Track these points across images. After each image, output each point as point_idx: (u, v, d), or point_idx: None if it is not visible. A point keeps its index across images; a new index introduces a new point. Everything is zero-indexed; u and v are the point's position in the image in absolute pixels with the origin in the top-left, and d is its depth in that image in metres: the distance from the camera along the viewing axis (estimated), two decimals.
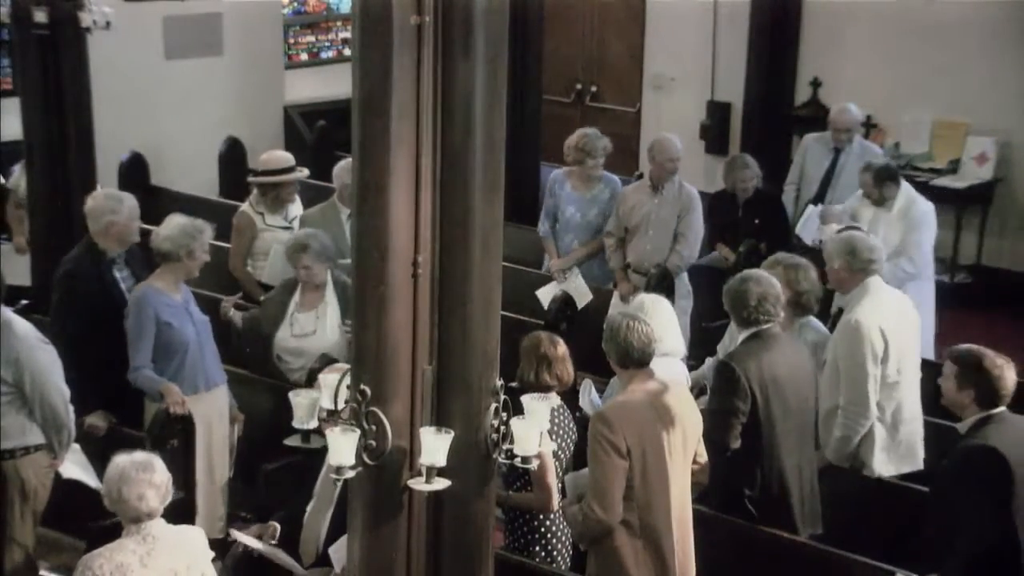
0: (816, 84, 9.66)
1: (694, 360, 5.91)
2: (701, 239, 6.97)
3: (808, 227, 7.21)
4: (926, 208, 6.56)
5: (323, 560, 4.28)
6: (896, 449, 5.22)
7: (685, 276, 6.91)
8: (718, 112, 10.08)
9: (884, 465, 5.19)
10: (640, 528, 4.25)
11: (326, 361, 5.27)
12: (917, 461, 5.27)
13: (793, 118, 9.58)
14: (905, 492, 5.04)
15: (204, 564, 3.89)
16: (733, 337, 5.07)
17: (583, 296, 6.91)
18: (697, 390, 5.30)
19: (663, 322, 4.95)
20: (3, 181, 7.54)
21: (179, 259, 5.29)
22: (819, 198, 7.57)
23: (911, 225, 6.49)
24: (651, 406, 4.28)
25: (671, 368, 4.88)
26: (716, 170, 8.98)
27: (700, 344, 6.39)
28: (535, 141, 8.85)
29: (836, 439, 5.16)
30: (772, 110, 9.57)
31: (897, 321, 5.16)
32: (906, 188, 6.56)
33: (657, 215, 6.83)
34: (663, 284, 6.56)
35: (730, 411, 4.63)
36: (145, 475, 3.75)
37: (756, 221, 7.38)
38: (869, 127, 9.02)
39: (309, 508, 4.43)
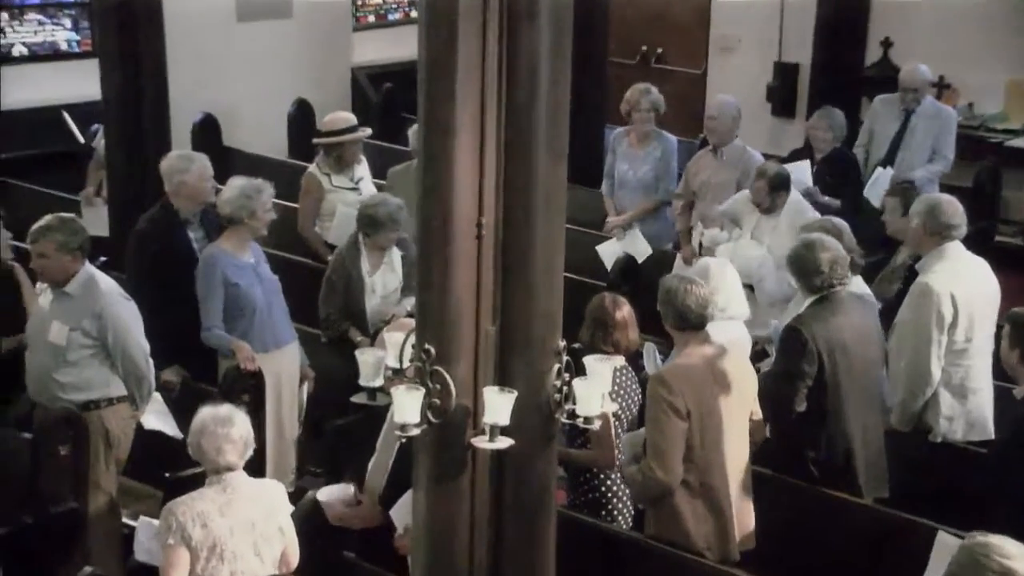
0: (887, 44, 9.40)
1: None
2: None
3: (875, 189, 7.05)
4: (815, 216, 6.03)
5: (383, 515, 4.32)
6: (965, 417, 5.11)
7: None
8: (785, 74, 9.88)
9: (951, 432, 5.10)
10: (699, 488, 4.26)
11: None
12: (987, 431, 5.15)
13: (863, 79, 9.34)
14: (972, 456, 4.95)
15: (282, 517, 3.97)
16: (797, 301, 5.00)
17: (642, 252, 6.88)
18: (755, 353, 5.26)
19: (727, 287, 4.91)
20: (83, 140, 7.68)
21: (241, 221, 5.35)
22: (888, 160, 7.39)
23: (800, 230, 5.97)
24: (709, 368, 4.28)
25: (733, 331, 4.84)
26: (783, 134, 8.85)
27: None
28: (600, 103, 8.77)
29: (898, 402, 5.08)
30: (841, 71, 9.34)
31: (972, 288, 5.03)
32: (795, 196, 6.15)
33: (716, 179, 6.73)
34: None
35: (796, 374, 4.60)
36: (223, 429, 3.83)
37: (828, 178, 7.22)
38: (941, 87, 8.79)
39: (371, 464, 4.47)
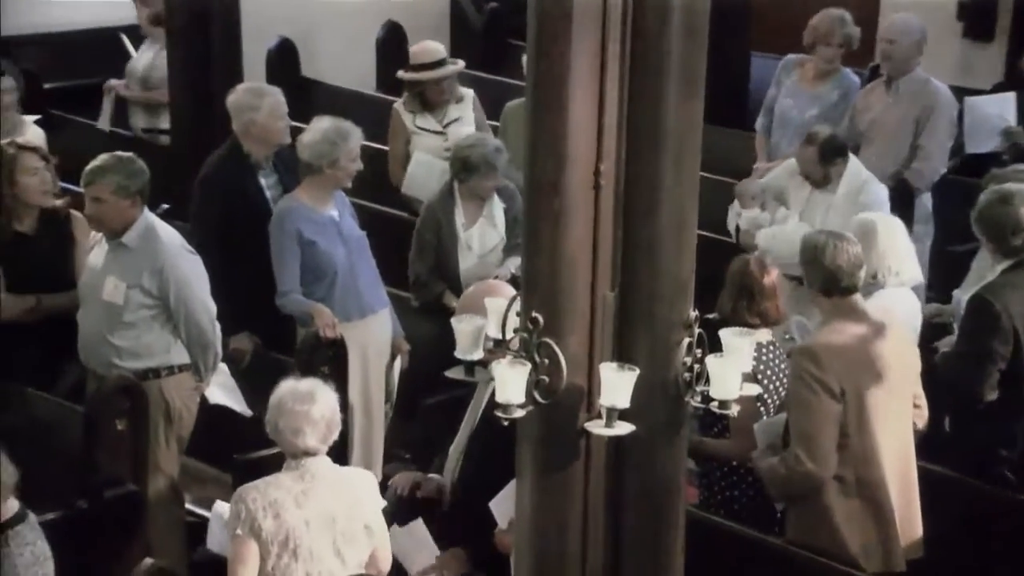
0: None
1: (934, 292, 5.75)
2: (948, 151, 6.68)
3: None
4: (880, 192, 5.85)
5: (458, 505, 4.39)
6: None
7: (926, 197, 6.65)
8: None
9: None
10: (856, 485, 4.25)
11: None
12: None
13: None
14: None
15: (368, 514, 3.96)
16: (982, 267, 4.91)
17: None
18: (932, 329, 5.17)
19: (898, 247, 4.86)
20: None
21: (321, 170, 5.41)
22: None
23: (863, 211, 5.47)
24: (864, 341, 4.25)
25: (902, 300, 4.78)
26: (977, 61, 8.53)
27: (942, 276, 6.19)
28: (744, 26, 8.65)
29: None
30: None
31: None
32: (856, 165, 5.87)
33: (889, 118, 6.59)
34: (898, 203, 6.34)
35: (986, 355, 4.54)
36: (302, 407, 3.84)
37: None
38: None
39: (451, 448, 4.54)
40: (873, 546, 4.29)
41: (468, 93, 6.83)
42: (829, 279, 4.28)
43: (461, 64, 6.87)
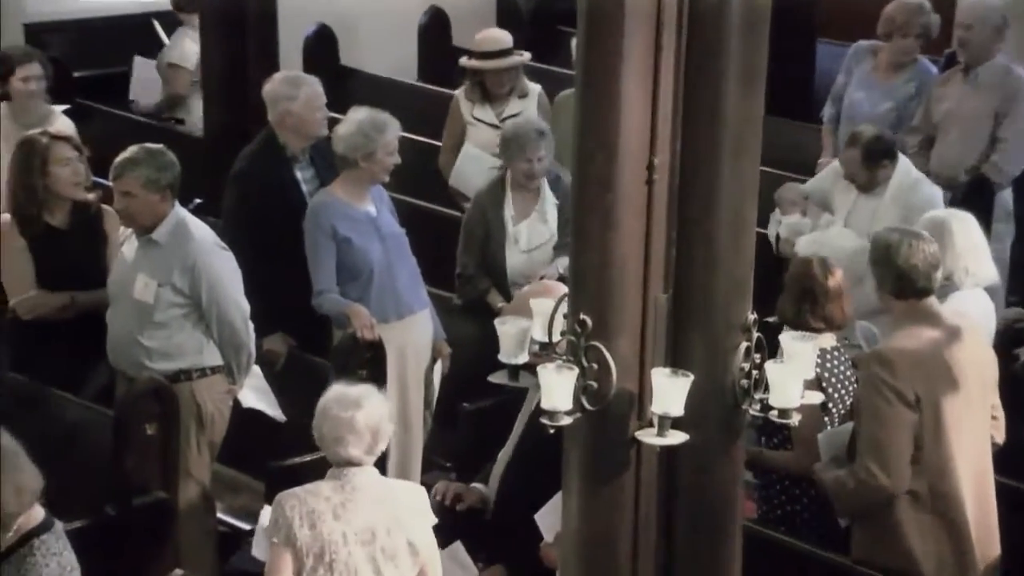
0: None
1: (1015, 297, 5.69)
2: None
3: None
4: (933, 194, 5.71)
5: (498, 517, 4.37)
6: None
7: (1006, 193, 6.58)
8: None
9: None
10: (929, 499, 4.22)
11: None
12: None
13: None
14: None
15: (413, 530, 3.91)
16: None
17: None
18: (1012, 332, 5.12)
19: (971, 246, 4.82)
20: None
21: (355, 163, 5.42)
22: None
23: (915, 217, 5.32)
24: (940, 347, 4.22)
25: (976, 302, 4.73)
26: None
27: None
28: (809, 12, 8.59)
29: None
30: None
31: None
32: (905, 165, 5.73)
33: (965, 109, 6.52)
34: (976, 200, 6.27)
35: None
36: (346, 415, 3.82)
37: None
38: None
39: (500, 455, 4.54)
40: (948, 565, 4.26)
41: (534, 89, 6.81)
42: (903, 280, 4.24)
43: (526, 56, 6.86)
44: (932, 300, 4.29)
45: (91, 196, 5.47)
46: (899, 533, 4.22)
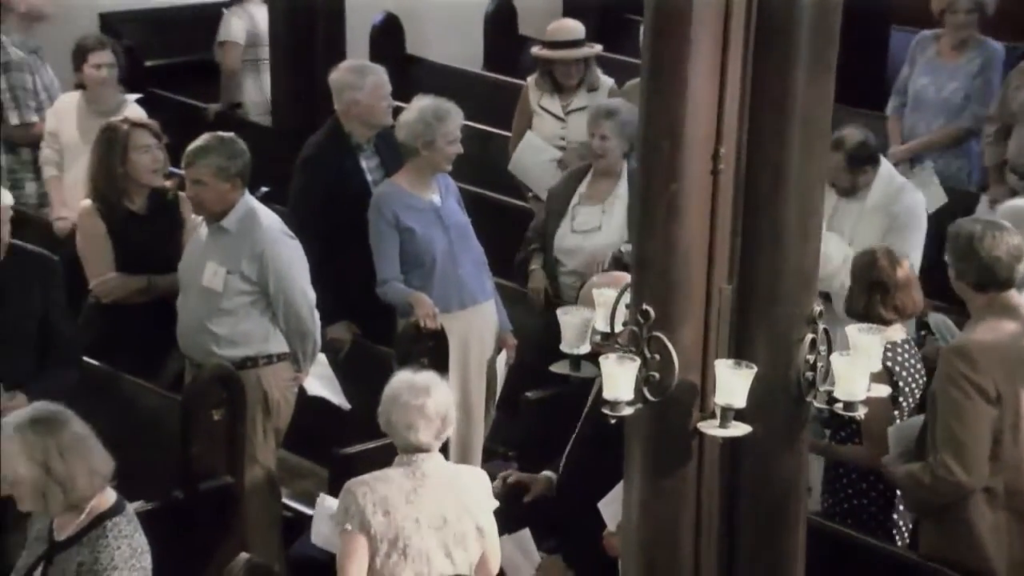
0: None
1: None
2: None
3: None
4: (916, 201, 5.59)
5: (561, 506, 4.36)
6: None
7: None
8: None
9: None
10: (1004, 496, 4.16)
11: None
12: None
13: None
14: None
15: (480, 514, 3.98)
16: None
17: (935, 198, 6.63)
18: None
19: None
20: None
21: (417, 151, 5.43)
22: None
23: (897, 224, 5.45)
24: (1021, 341, 4.14)
25: None
26: None
27: None
28: (883, 0, 8.48)
29: None
30: None
31: None
32: (888, 171, 5.60)
33: None
34: None
35: None
36: (417, 401, 3.87)
37: None
38: None
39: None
40: (1020, 564, 4.19)
41: (607, 83, 6.78)
42: (985, 272, 4.17)
43: (597, 48, 6.83)
44: (1013, 292, 4.22)
45: (168, 183, 5.53)
46: (972, 530, 4.16)
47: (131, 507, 3.73)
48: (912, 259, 5.28)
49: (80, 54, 6.59)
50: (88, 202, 5.46)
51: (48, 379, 4.71)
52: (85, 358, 5.14)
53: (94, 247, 5.42)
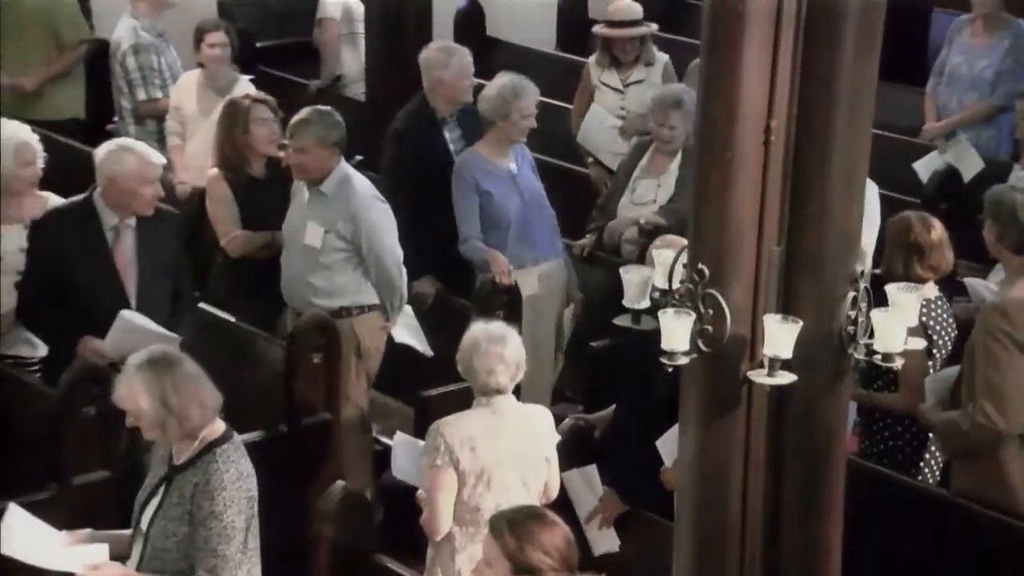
0: None
1: None
2: None
3: None
4: (870, 195, 5.30)
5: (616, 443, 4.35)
6: None
7: None
8: None
9: None
10: None
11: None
12: None
13: None
14: None
15: (547, 447, 4.05)
16: None
17: (971, 166, 6.46)
18: None
19: None
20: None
21: (495, 123, 5.43)
22: None
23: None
24: None
25: None
26: None
27: None
28: None
29: None
30: None
31: None
32: None
33: None
34: None
35: None
36: (496, 348, 3.91)
37: None
38: None
39: None
40: None
41: (661, 58, 6.70)
42: (1022, 235, 4.10)
43: (653, 27, 6.77)
44: None
45: (283, 152, 5.57)
46: (1003, 471, 4.09)
47: (239, 437, 3.76)
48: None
49: (199, 35, 6.64)
50: (215, 170, 5.53)
51: (178, 325, 4.76)
52: (208, 307, 5.20)
53: (222, 209, 5.48)
